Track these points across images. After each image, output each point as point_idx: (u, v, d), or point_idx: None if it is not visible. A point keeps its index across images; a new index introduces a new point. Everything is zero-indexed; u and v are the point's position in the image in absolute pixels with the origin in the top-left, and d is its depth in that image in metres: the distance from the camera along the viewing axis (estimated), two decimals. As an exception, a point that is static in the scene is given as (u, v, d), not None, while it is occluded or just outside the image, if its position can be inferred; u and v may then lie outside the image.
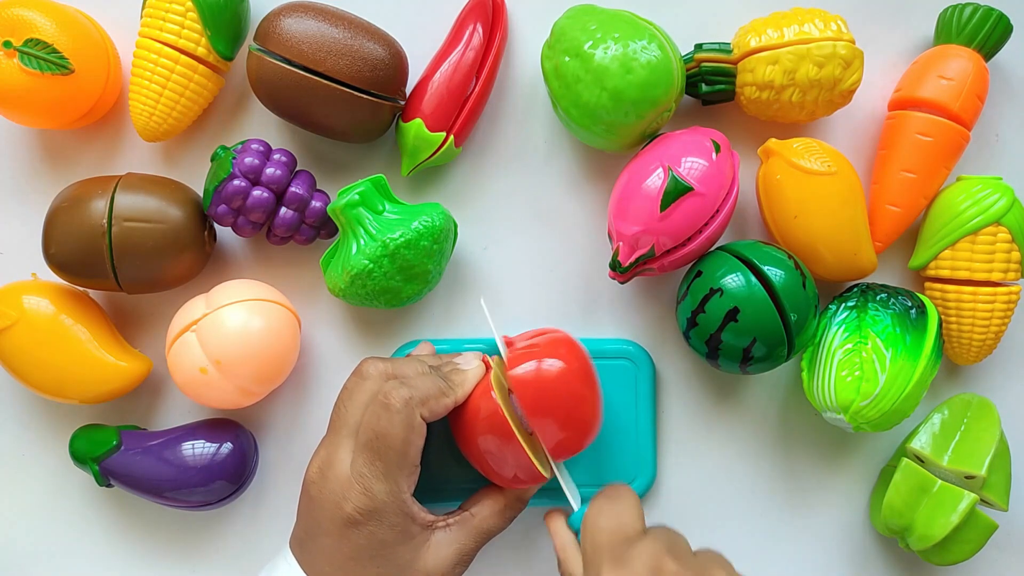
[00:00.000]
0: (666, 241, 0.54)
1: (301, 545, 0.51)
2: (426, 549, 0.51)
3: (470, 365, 0.53)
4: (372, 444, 0.49)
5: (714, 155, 0.54)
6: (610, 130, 0.56)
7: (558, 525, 0.54)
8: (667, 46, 0.55)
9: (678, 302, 0.56)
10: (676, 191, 0.53)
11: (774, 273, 0.53)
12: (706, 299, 0.54)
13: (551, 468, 0.53)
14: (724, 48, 0.58)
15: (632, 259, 0.54)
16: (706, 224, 0.54)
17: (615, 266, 0.55)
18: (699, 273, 0.55)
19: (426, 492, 0.59)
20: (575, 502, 0.53)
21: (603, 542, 0.47)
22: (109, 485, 0.57)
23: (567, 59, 0.55)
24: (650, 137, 0.57)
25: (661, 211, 0.53)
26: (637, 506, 0.49)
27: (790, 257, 0.54)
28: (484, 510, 0.53)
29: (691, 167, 0.53)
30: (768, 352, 0.53)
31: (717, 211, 0.54)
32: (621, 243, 0.54)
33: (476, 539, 0.52)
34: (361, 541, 0.49)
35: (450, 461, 0.58)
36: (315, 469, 0.51)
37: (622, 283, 0.56)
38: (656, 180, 0.53)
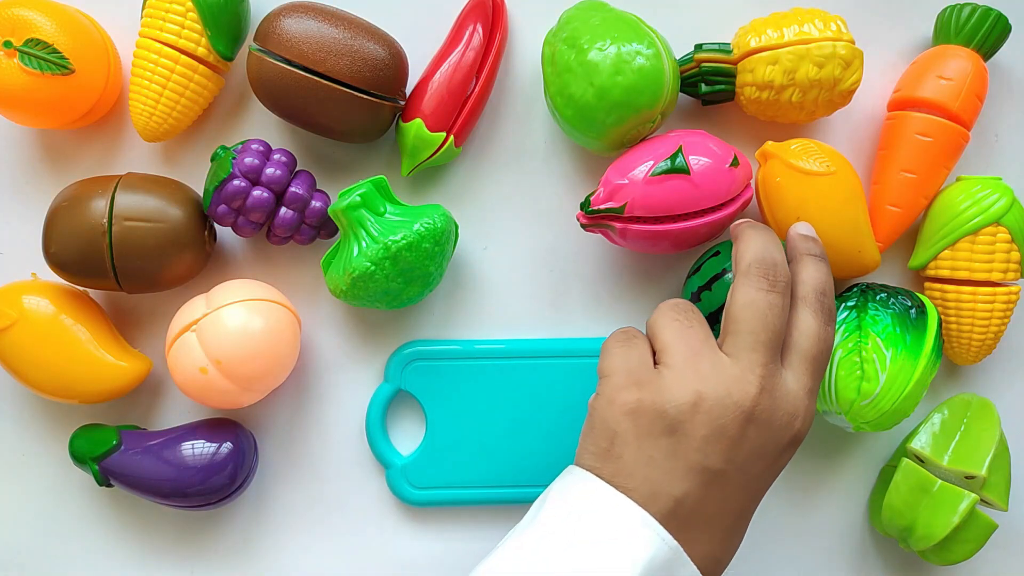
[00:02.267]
0: (639, 207, 0.54)
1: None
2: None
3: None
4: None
5: (727, 165, 0.54)
6: (590, 127, 0.56)
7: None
8: (664, 57, 0.55)
9: (687, 276, 0.57)
10: (672, 166, 0.53)
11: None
12: (716, 278, 0.54)
13: None
14: (724, 48, 0.58)
15: (603, 205, 0.55)
16: (684, 219, 0.54)
17: (585, 205, 0.56)
18: (716, 252, 0.55)
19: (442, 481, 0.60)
20: None
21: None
22: (109, 485, 0.57)
23: (564, 48, 0.55)
24: (631, 144, 0.57)
25: (650, 175, 0.53)
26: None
27: None
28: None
29: (701, 162, 0.54)
30: None
31: (702, 215, 0.54)
32: (603, 188, 0.55)
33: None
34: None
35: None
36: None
37: (583, 226, 0.56)
38: (665, 151, 0.54)
